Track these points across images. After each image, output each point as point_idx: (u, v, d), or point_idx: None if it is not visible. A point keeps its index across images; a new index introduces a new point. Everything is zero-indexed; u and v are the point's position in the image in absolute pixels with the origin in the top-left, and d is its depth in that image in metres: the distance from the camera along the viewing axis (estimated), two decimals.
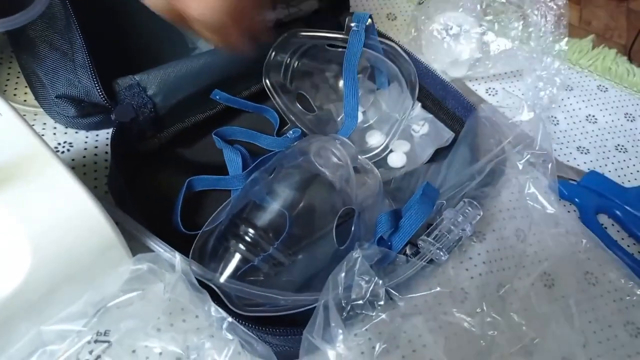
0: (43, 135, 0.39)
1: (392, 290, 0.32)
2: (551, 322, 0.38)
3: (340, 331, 0.29)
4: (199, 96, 0.41)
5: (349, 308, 0.30)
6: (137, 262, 0.32)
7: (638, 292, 0.42)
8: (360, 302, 0.30)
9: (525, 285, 0.39)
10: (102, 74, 0.38)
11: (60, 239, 0.28)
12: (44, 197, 0.28)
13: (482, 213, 0.35)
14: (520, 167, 0.39)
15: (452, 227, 0.34)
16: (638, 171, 0.53)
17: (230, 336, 0.31)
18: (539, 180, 0.39)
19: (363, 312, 0.31)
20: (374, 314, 0.31)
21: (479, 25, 0.54)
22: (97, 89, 0.37)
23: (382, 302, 0.31)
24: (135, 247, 0.32)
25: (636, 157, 0.54)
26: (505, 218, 0.43)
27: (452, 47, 0.54)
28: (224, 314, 0.31)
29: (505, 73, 0.59)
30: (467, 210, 0.35)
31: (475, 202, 0.36)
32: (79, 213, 0.28)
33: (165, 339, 0.32)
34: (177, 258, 0.32)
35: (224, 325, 0.31)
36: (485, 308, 0.36)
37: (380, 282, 0.30)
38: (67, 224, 0.28)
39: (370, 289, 0.30)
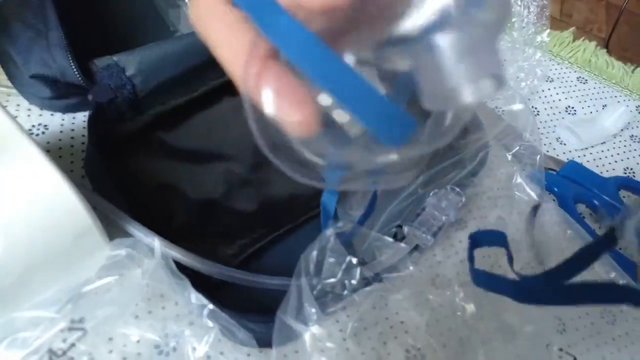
0: (17, 117, 0.38)
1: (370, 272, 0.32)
2: (531, 309, 0.39)
3: (314, 311, 0.29)
4: (180, 79, 0.40)
5: (319, 287, 0.30)
6: (115, 248, 0.31)
7: (616, 282, 0.43)
8: (333, 280, 0.30)
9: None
10: (79, 55, 0.36)
11: (34, 224, 0.27)
12: (17, 180, 0.27)
13: (464, 199, 0.35)
14: (509, 158, 0.40)
15: (435, 212, 0.34)
16: (616, 161, 0.54)
17: (210, 324, 0.30)
18: (526, 172, 0.40)
19: (335, 291, 0.31)
20: (345, 293, 0.31)
21: None
22: (72, 69, 0.36)
23: (355, 281, 0.31)
24: (114, 232, 0.31)
25: (614, 147, 0.55)
26: (487, 206, 0.44)
27: None
28: (204, 301, 0.30)
29: None
30: (449, 197, 0.36)
31: (457, 189, 0.36)
32: (54, 197, 0.27)
33: (143, 326, 0.31)
34: (156, 243, 0.31)
35: (205, 313, 0.30)
36: (466, 294, 0.36)
37: (355, 260, 0.30)
38: (41, 209, 0.27)
39: (343, 268, 0.30)
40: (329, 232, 0.30)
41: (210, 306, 0.30)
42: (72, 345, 0.31)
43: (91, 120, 0.35)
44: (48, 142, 0.38)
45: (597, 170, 0.52)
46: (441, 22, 0.18)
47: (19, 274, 0.28)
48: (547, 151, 0.53)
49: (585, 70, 0.63)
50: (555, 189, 0.48)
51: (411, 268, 0.32)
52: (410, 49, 0.18)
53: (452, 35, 0.18)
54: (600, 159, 0.54)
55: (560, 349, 0.39)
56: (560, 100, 0.59)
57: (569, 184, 0.48)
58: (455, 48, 0.18)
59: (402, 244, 0.33)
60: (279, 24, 0.17)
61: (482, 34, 0.18)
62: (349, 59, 0.19)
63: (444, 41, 0.18)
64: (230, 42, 0.19)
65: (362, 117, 0.17)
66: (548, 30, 0.56)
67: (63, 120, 0.39)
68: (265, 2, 0.18)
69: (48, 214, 0.27)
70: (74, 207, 0.28)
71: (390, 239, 0.33)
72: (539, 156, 0.40)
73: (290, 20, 0.17)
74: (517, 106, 0.44)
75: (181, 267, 0.31)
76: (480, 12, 0.18)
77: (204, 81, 0.42)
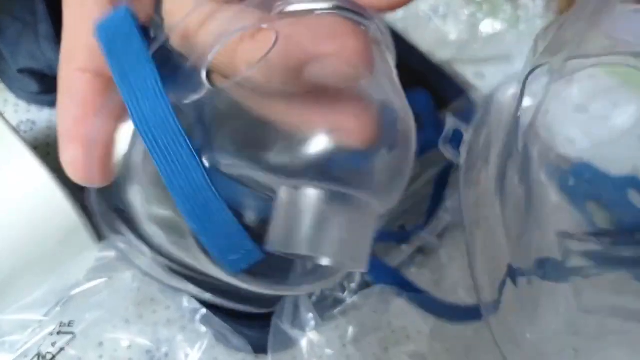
0: (4, 112, 0.37)
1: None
2: (540, 311, 0.38)
3: (311, 315, 0.28)
4: None
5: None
6: (104, 249, 0.30)
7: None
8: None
9: None
10: None
11: (20, 223, 0.27)
12: (2, 178, 0.26)
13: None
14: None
15: (440, 212, 0.33)
16: (627, 160, 0.53)
17: (203, 329, 0.29)
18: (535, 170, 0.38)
19: (334, 294, 0.30)
20: (344, 295, 0.30)
21: (468, 5, 0.53)
22: None
23: (355, 284, 0.30)
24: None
25: (624, 146, 0.54)
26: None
27: (440, 27, 0.52)
28: (197, 305, 0.29)
29: (494, 56, 0.58)
30: (455, 196, 0.35)
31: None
32: (40, 195, 0.27)
33: (134, 331, 0.30)
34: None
35: (197, 317, 0.29)
36: (472, 298, 0.35)
37: None
38: (28, 207, 0.27)
39: None
40: None
41: (203, 310, 0.29)
42: (62, 349, 0.30)
43: None
44: (36, 139, 0.37)
45: (607, 169, 0.50)
46: (315, 175, 0.15)
47: (4, 275, 0.27)
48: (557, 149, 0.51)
49: (596, 66, 0.61)
50: (567, 189, 0.47)
51: (414, 271, 0.31)
52: (278, 181, 0.16)
53: (320, 194, 0.15)
54: (610, 157, 0.53)
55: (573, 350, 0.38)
56: (570, 97, 0.57)
57: (580, 183, 0.47)
58: (319, 210, 0.15)
59: (405, 246, 0.32)
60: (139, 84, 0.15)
61: (358, 212, 0.16)
62: (214, 160, 0.16)
63: (310, 195, 0.15)
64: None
65: (196, 226, 0.15)
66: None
67: (52, 116, 0.38)
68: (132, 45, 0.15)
69: (35, 212, 0.27)
70: (60, 205, 0.27)
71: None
72: (548, 154, 0.39)
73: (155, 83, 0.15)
74: (525, 102, 0.43)
75: (173, 269, 0.30)
76: (364, 189, 0.16)
77: None
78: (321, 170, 0.15)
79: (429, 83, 0.47)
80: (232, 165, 0.16)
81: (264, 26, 0.14)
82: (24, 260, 0.27)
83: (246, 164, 0.16)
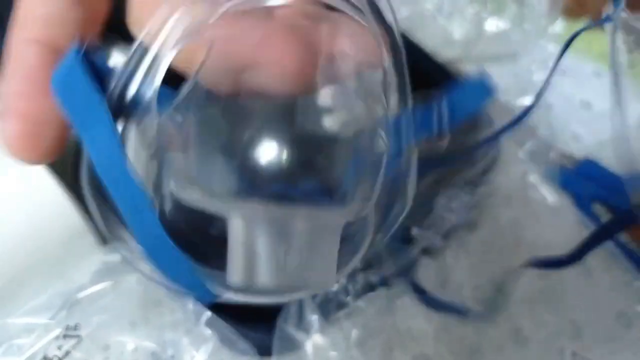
0: None
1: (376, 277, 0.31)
2: (544, 314, 0.37)
3: (316, 318, 0.28)
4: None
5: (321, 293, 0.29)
6: (109, 252, 0.30)
7: (632, 283, 0.41)
8: (335, 286, 0.29)
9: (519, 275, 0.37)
10: None
11: (24, 226, 0.27)
12: (6, 181, 0.27)
13: (476, 199, 0.34)
14: (521, 156, 0.38)
15: (445, 213, 0.33)
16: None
17: (208, 332, 0.29)
18: (540, 169, 0.38)
19: (339, 297, 0.30)
20: (348, 299, 0.30)
21: (473, 4, 0.53)
22: None
23: (359, 287, 0.30)
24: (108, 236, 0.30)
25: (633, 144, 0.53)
26: (499, 206, 0.42)
27: (444, 26, 0.52)
28: (202, 307, 0.29)
29: (499, 55, 0.57)
30: (459, 197, 0.34)
31: (468, 188, 0.35)
32: (45, 198, 0.27)
33: (139, 334, 0.30)
34: None
35: (202, 320, 0.29)
36: (477, 299, 0.35)
37: (359, 264, 0.29)
38: (31, 210, 0.27)
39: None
40: None
41: (208, 313, 0.29)
42: (68, 352, 0.30)
43: None
44: None
45: (613, 168, 0.50)
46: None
47: (10, 278, 0.27)
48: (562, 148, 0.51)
49: (601, 63, 0.61)
50: (571, 188, 0.46)
51: (419, 272, 0.31)
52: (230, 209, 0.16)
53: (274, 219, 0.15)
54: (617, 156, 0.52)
55: (574, 354, 0.38)
56: (574, 94, 0.57)
57: (585, 183, 0.46)
58: (274, 238, 0.15)
59: (410, 247, 0.32)
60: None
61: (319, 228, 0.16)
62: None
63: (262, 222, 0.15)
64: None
65: (156, 264, 0.16)
66: (560, 21, 0.54)
67: None
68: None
69: (39, 216, 0.27)
70: (65, 208, 0.27)
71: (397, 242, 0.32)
72: (552, 153, 0.39)
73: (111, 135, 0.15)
74: (530, 100, 0.42)
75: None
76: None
77: None
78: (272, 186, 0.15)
79: (434, 83, 0.46)
80: (186, 198, 0.16)
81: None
82: (29, 264, 0.27)
83: (198, 193, 0.16)
